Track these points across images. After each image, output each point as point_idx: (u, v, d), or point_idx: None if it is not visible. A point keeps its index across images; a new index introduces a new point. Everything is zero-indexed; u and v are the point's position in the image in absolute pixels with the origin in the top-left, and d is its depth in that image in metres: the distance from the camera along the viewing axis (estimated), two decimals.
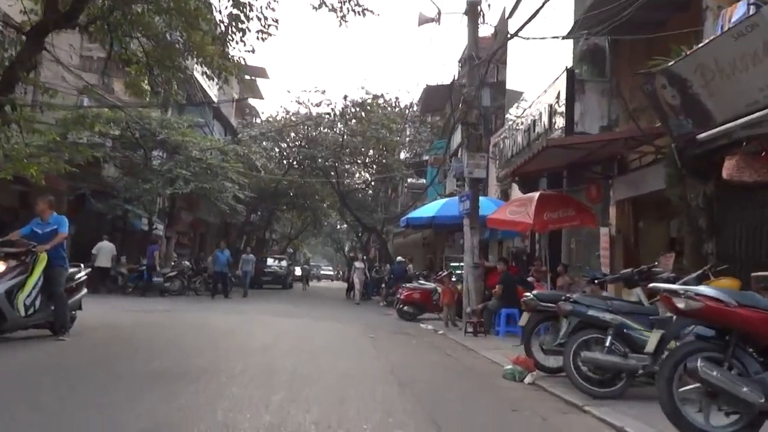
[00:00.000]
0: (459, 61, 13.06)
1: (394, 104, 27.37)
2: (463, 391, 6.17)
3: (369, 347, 9.08)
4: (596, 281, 10.47)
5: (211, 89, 30.62)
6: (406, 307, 15.68)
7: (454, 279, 14.66)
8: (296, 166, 30.97)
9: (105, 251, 18.04)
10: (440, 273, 16.63)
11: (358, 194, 38.52)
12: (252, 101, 45.72)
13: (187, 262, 21.70)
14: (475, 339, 10.94)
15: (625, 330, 5.71)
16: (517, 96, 18.48)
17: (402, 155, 27.30)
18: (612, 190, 12.08)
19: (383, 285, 24.75)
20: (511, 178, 12.57)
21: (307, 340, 9.40)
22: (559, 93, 13.00)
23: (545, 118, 13.67)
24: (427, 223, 14.10)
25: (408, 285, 16.22)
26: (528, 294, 7.39)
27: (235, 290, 21.04)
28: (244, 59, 12.45)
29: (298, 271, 44.37)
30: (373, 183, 37.47)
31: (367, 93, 25.96)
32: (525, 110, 16.32)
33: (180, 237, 29.05)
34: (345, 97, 24.94)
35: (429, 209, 14.62)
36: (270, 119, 29.26)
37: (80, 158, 17.72)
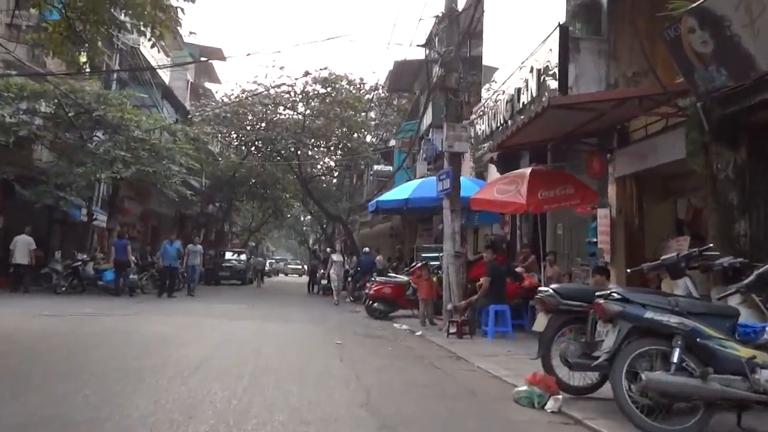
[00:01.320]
0: (435, 18, 11.20)
1: (358, 85, 25.40)
2: None
3: (334, 361, 7.13)
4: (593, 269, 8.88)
5: (165, 74, 28.34)
6: (376, 304, 13.86)
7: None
8: (255, 152, 28.82)
9: (22, 246, 15.73)
10: (413, 264, 14.86)
11: (321, 183, 36.51)
12: (209, 85, 43.33)
13: (132, 257, 19.45)
14: (461, 342, 9.17)
15: (698, 339, 4.00)
16: (493, 72, 16.83)
17: (368, 138, 25.33)
18: (612, 164, 10.45)
19: (349, 279, 22.92)
20: (496, 151, 10.82)
21: (252, 353, 7.37)
22: (550, 54, 11.32)
23: (533, 85, 11.96)
24: (400, 207, 12.30)
25: (378, 278, 14.40)
26: (545, 288, 5.61)
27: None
28: (182, 9, 10.39)
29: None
30: (337, 170, 35.53)
31: (330, 74, 23.92)
32: (506, 80, 14.63)
33: (129, 229, 26.64)
34: (306, 74, 22.88)
35: (401, 191, 12.79)
36: (225, 98, 26.93)
37: (2, 138, 15.57)
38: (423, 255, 21.03)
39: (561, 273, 11.32)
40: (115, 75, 22.25)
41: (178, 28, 10.99)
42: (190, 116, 24.24)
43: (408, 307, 14.22)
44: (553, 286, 5.77)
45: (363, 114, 24.59)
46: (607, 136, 10.31)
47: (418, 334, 10.51)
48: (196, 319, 11.02)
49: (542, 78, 11.88)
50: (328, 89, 23.13)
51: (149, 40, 10.90)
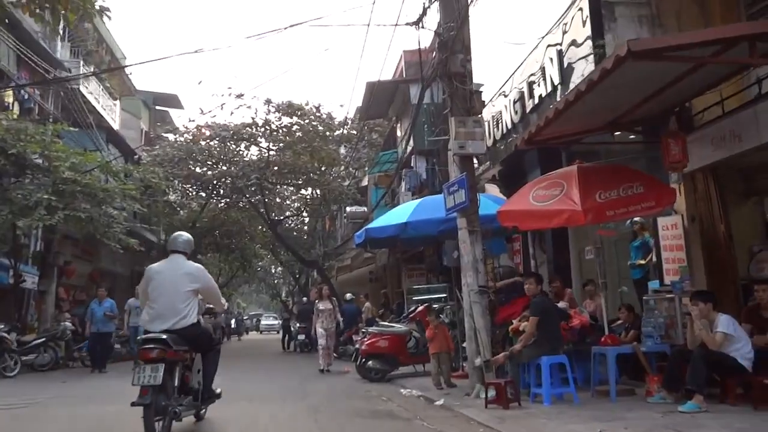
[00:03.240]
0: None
1: (326, 118, 22.80)
2: None
3: None
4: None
5: (108, 112, 25.45)
6: (371, 362, 10.88)
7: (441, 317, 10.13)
8: (216, 197, 25.86)
9: None
10: (413, 309, 11.96)
11: (292, 231, 33.61)
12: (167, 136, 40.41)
13: (68, 323, 16.12)
14: (512, 415, 6.23)
15: None
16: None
17: (341, 170, 22.54)
18: None
19: None
20: (524, 148, 8.12)
21: None
22: (575, 29, 8.87)
23: (554, 71, 9.48)
24: (395, 235, 9.43)
25: (370, 329, 11.42)
26: None
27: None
28: None
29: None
30: (307, 210, 32.75)
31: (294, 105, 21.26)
32: (508, 79, 12.17)
33: (77, 292, 23.26)
34: (268, 102, 20.15)
35: (397, 215, 9.89)
36: (178, 138, 24.04)
37: None
38: (414, 298, 18.27)
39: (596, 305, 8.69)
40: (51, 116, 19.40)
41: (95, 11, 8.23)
42: (137, 157, 21.19)
43: (410, 363, 11.31)
44: None
45: (333, 146, 21.88)
46: (660, 124, 7.78)
47: (439, 403, 7.53)
48: (115, 410, 7.28)
49: (563, 59, 9.44)
50: (294, 119, 20.43)
51: (47, 28, 8.11)
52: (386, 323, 12.35)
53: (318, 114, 20.41)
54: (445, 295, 16.15)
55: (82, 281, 23.87)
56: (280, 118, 20.73)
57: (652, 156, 8.17)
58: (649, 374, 6.83)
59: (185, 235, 6.34)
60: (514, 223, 7.76)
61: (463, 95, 8.38)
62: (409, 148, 20.40)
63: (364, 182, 29.80)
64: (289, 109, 19.98)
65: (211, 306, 6.76)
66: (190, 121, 23.27)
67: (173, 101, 34.86)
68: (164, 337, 5.46)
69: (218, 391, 6.51)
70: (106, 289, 15.58)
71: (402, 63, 21.01)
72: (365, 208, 30.34)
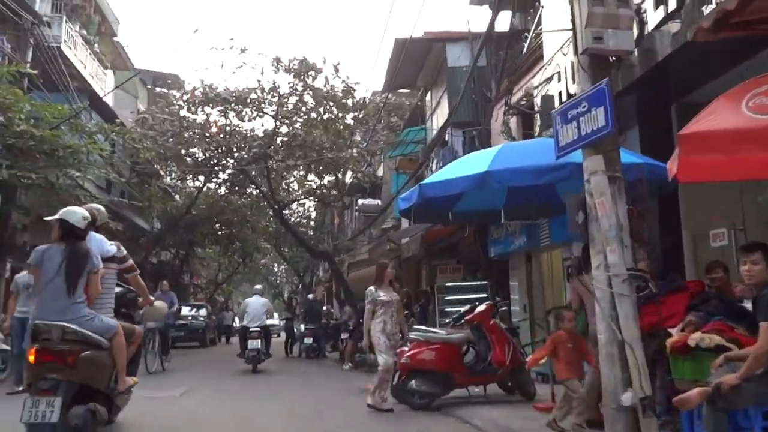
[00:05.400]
0: None
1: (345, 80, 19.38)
2: None
3: None
4: None
5: (98, 81, 22.29)
6: (413, 382, 7.64)
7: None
8: (214, 178, 22.71)
9: None
10: (471, 307, 8.67)
11: (298, 226, 30.44)
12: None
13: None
14: None
15: None
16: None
17: (354, 152, 19.20)
18: None
19: (342, 337, 16.57)
20: (704, 39, 4.84)
21: None
22: None
23: None
24: (467, 187, 5.93)
25: (411, 335, 8.14)
26: None
27: None
28: None
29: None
30: (313, 207, 29.60)
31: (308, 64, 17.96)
32: None
33: None
34: (277, 60, 16.91)
35: (464, 166, 6.48)
36: (171, 102, 20.89)
37: None
38: (447, 298, 15.14)
39: None
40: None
41: None
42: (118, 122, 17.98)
43: (467, 385, 8.08)
44: None
45: (354, 114, 18.59)
46: None
47: None
48: None
49: None
50: (308, 81, 17.14)
51: None
52: (427, 328, 9.05)
53: (336, 75, 17.17)
54: (485, 294, 13.06)
55: None
56: (293, 86, 17.42)
57: None
58: None
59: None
60: (714, 162, 4.44)
61: None
62: (439, 125, 17.20)
63: (379, 172, 26.62)
64: (301, 68, 16.72)
65: None
66: (186, 90, 20.01)
67: (175, 82, 31.87)
68: None
69: None
70: None
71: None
72: (379, 201, 27.19)
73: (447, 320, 9.58)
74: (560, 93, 9.66)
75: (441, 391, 7.69)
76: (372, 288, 7.94)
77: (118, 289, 5.65)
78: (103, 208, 5.81)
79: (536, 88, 10.98)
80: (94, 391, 4.75)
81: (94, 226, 5.36)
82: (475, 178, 5.89)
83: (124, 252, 5.68)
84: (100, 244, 5.33)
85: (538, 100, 11.02)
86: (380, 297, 7.87)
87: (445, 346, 7.82)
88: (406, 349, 7.86)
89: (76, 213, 5.04)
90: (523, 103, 12.33)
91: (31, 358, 4.52)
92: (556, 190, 6.83)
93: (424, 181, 6.64)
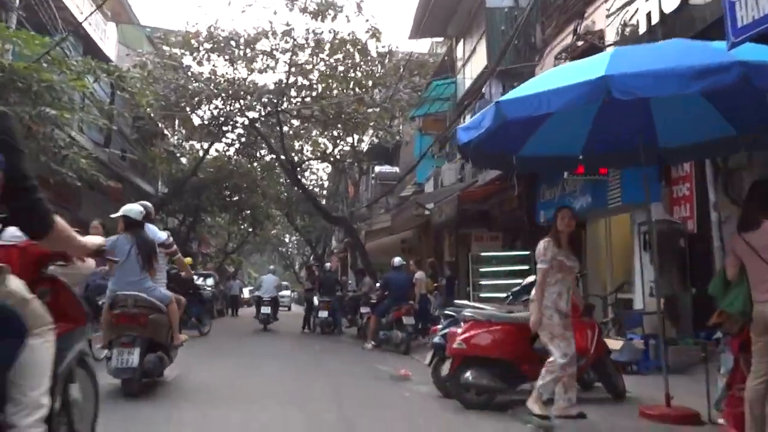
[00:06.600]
0: None
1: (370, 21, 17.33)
2: None
3: None
4: None
5: (95, 29, 20.35)
6: (469, 373, 5.84)
7: None
8: (222, 135, 20.87)
9: None
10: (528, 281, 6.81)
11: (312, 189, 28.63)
12: None
13: None
14: None
15: None
16: None
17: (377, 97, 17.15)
18: None
19: (362, 311, 14.78)
20: None
21: None
22: None
23: None
24: (573, 103, 4.07)
25: (465, 314, 6.32)
26: None
27: None
28: None
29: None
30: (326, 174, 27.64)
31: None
32: None
33: None
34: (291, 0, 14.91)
35: (562, 76, 4.73)
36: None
37: None
38: (482, 270, 13.43)
39: None
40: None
41: None
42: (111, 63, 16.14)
43: (532, 378, 6.24)
44: None
45: (377, 66, 16.60)
46: None
47: None
48: None
49: None
50: (327, 22, 15.13)
51: None
52: (482, 306, 7.20)
53: (360, 13, 15.12)
54: (528, 267, 11.36)
55: None
56: (310, 31, 15.43)
57: None
58: None
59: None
60: None
61: None
62: (473, 77, 15.21)
63: (398, 136, 24.59)
64: (320, 8, 14.69)
65: None
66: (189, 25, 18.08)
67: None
68: None
69: None
70: None
71: None
72: (397, 169, 25.32)
73: (506, 295, 7.71)
74: (649, 14, 7.76)
75: (506, 386, 5.91)
76: (549, 240, 5.44)
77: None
78: (150, 205, 7.01)
79: (610, 16, 8.99)
80: (158, 344, 6.04)
81: (150, 219, 6.64)
82: (590, 87, 3.99)
83: (171, 239, 6.93)
84: (155, 233, 6.54)
85: (610, 33, 9.08)
86: (565, 262, 5.35)
87: (511, 327, 5.99)
88: (459, 330, 6.08)
89: (135, 209, 6.23)
90: (579, 44, 10.37)
91: (113, 320, 5.83)
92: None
93: (503, 98, 4.69)
